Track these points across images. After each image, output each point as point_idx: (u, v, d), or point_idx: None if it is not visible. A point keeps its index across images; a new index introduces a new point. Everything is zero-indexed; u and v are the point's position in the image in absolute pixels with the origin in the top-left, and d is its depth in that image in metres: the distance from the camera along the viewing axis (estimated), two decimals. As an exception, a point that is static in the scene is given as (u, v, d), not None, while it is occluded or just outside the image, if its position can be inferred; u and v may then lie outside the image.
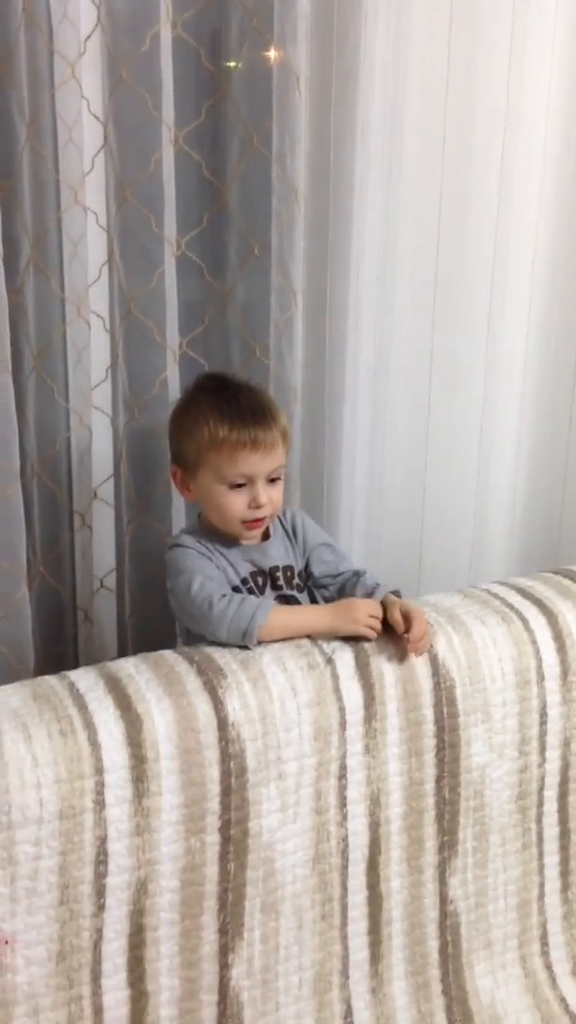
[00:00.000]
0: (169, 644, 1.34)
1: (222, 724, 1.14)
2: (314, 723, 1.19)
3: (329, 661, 1.22)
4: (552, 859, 1.37)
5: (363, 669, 1.23)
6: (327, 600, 1.37)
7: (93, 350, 1.54)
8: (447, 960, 1.30)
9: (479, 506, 1.91)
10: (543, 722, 1.34)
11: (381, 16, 1.52)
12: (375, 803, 1.24)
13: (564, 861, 1.38)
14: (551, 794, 1.36)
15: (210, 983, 1.15)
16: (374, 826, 1.24)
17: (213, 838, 1.13)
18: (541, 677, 1.34)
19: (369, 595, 1.29)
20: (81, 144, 1.44)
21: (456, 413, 1.84)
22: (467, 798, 1.30)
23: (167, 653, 1.22)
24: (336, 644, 1.25)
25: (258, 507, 1.29)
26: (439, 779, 1.27)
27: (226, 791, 1.14)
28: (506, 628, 1.34)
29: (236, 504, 1.29)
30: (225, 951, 1.16)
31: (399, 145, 1.63)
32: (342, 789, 1.21)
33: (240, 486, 1.28)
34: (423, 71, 1.62)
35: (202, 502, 1.34)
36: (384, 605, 1.27)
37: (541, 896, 1.36)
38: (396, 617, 1.24)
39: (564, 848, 1.38)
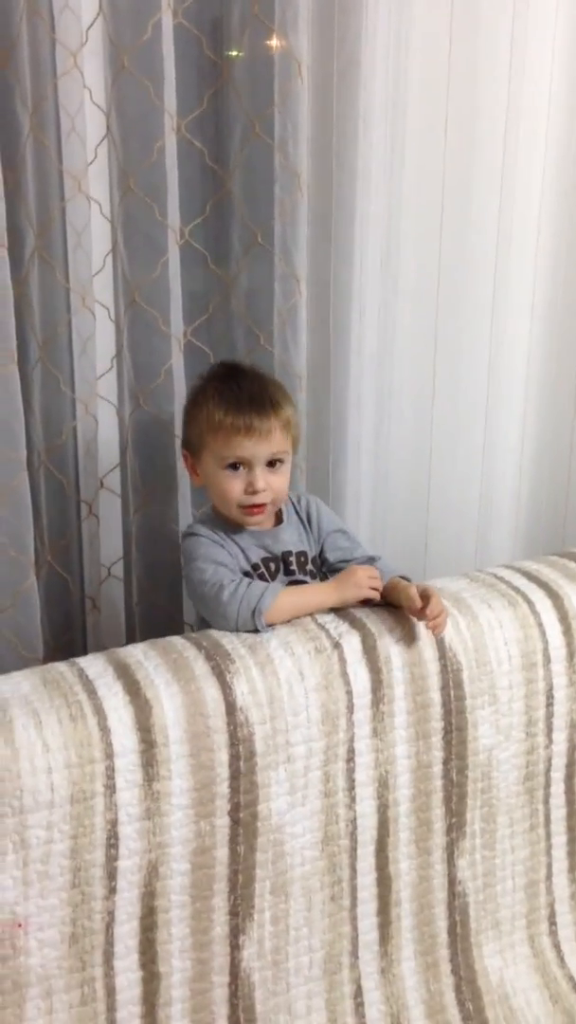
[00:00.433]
0: (176, 631, 1.35)
1: (230, 709, 1.15)
2: (322, 707, 1.20)
3: (336, 645, 1.23)
4: (559, 839, 1.38)
5: (370, 653, 1.24)
6: None
7: (98, 340, 1.55)
8: (456, 940, 1.31)
9: (484, 490, 1.91)
10: (549, 704, 1.35)
11: (383, 2, 1.52)
12: (383, 786, 1.25)
13: (571, 842, 1.39)
14: (558, 775, 1.37)
15: (221, 964, 1.17)
16: (382, 808, 1.25)
17: (223, 821, 1.15)
18: (547, 659, 1.34)
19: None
20: (84, 133, 1.44)
21: (461, 398, 1.84)
22: (474, 780, 1.30)
23: (175, 639, 1.23)
24: (344, 628, 1.25)
25: (254, 492, 1.30)
26: (447, 761, 1.28)
27: (235, 775, 1.15)
28: (512, 611, 1.35)
29: (234, 488, 1.30)
30: (236, 933, 1.17)
31: (402, 132, 1.63)
32: (350, 772, 1.22)
33: (238, 470, 1.30)
34: (425, 57, 1.62)
35: (207, 487, 1.35)
36: (398, 587, 1.28)
37: (549, 876, 1.37)
38: (412, 593, 1.24)
39: (571, 829, 1.39)
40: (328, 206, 1.59)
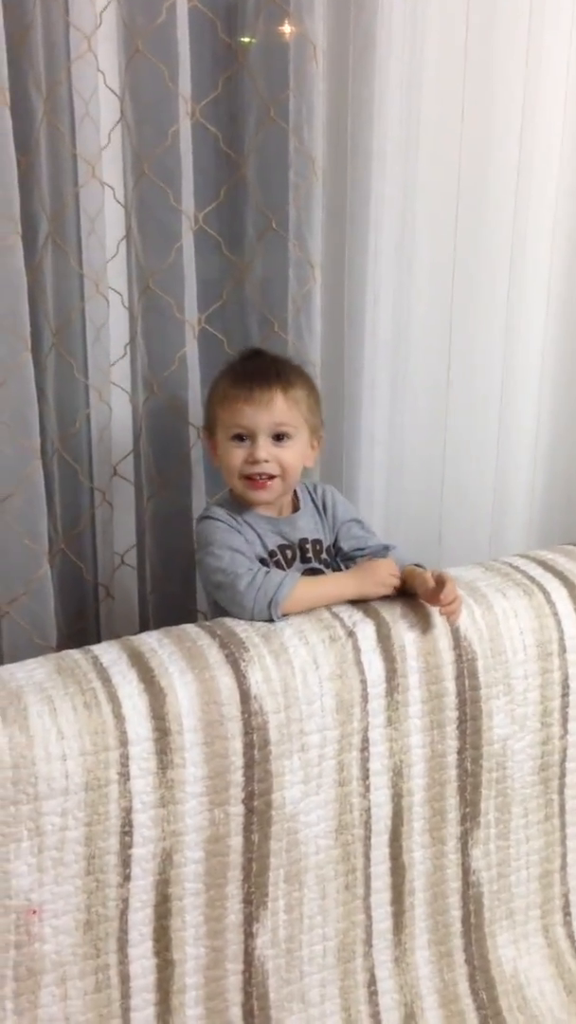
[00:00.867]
0: (190, 619, 1.35)
1: (244, 697, 1.14)
2: (336, 696, 1.19)
3: (351, 634, 1.22)
4: (574, 830, 1.37)
5: (384, 642, 1.23)
6: None
7: (112, 327, 1.54)
8: (470, 930, 1.31)
9: (498, 480, 1.90)
10: (565, 694, 1.34)
11: (398, -16, 1.50)
12: (397, 775, 1.24)
13: (586, 832, 1.38)
14: (573, 766, 1.36)
15: (235, 952, 1.17)
16: (397, 798, 1.25)
17: (237, 809, 1.14)
18: (563, 649, 1.33)
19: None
20: (98, 118, 1.43)
21: (476, 387, 1.82)
22: (489, 770, 1.30)
23: (189, 627, 1.23)
24: (358, 617, 1.25)
25: (254, 462, 1.29)
26: (461, 751, 1.28)
27: (249, 763, 1.14)
28: (527, 600, 1.34)
29: (235, 457, 1.30)
30: (250, 920, 1.17)
31: (417, 115, 1.61)
32: (364, 761, 1.22)
33: (243, 441, 1.30)
34: (441, 40, 1.60)
35: (220, 465, 1.35)
36: (413, 574, 1.27)
37: (563, 867, 1.37)
38: (427, 576, 1.24)
39: (586, 820, 1.38)
40: (343, 190, 1.58)
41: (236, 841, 1.15)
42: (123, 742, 1.08)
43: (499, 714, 1.29)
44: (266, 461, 1.29)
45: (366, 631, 1.23)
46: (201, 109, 1.49)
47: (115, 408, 1.58)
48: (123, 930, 1.10)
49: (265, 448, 1.29)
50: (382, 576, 1.27)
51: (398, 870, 1.26)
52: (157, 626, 1.26)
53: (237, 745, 1.14)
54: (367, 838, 1.23)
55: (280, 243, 1.56)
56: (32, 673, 1.12)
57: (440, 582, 1.22)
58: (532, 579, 1.38)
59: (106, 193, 1.48)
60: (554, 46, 1.66)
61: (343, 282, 1.62)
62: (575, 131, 1.74)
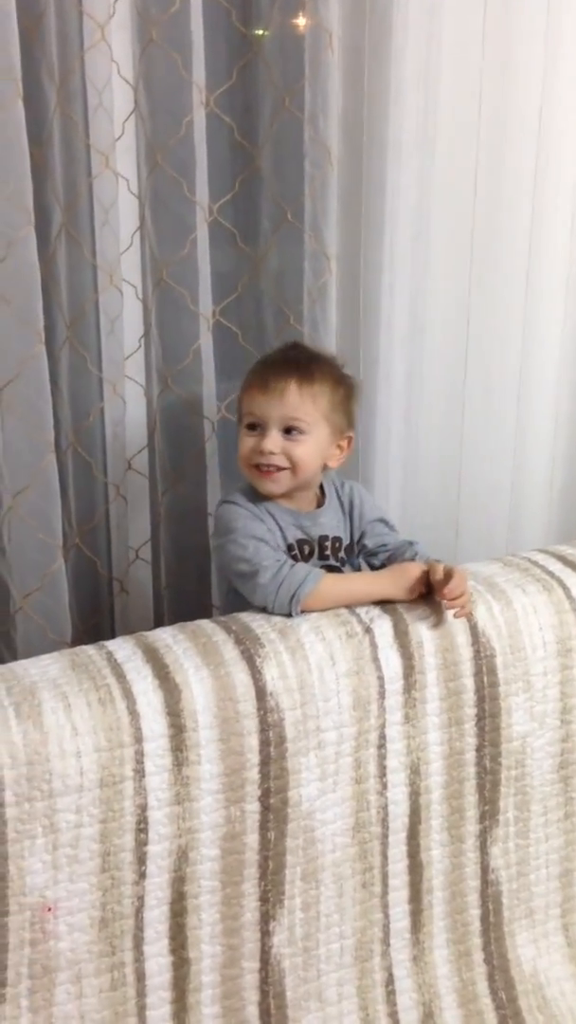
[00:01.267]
0: (205, 614, 1.33)
1: (260, 694, 1.13)
2: (353, 692, 1.18)
3: (368, 630, 1.21)
4: (595, 828, 1.36)
5: (402, 638, 1.22)
6: (374, 569, 1.37)
7: (126, 319, 1.53)
8: (489, 929, 1.29)
9: (516, 475, 1.88)
10: (585, 691, 1.32)
11: (415, -29, 1.48)
12: (415, 772, 1.23)
13: (607, 831, 1.37)
14: (593, 763, 1.35)
15: (251, 950, 1.16)
16: (414, 795, 1.23)
17: (253, 807, 1.13)
18: (583, 645, 1.32)
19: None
20: (111, 108, 1.42)
21: (493, 380, 1.80)
22: (508, 767, 1.28)
23: (204, 623, 1.21)
24: (375, 613, 1.23)
25: (261, 452, 1.27)
26: (479, 748, 1.26)
27: (265, 760, 1.13)
28: (547, 596, 1.32)
29: (245, 445, 1.29)
30: (266, 919, 1.16)
31: (434, 104, 1.58)
32: (382, 758, 1.21)
33: (253, 429, 1.29)
34: (458, 28, 1.58)
35: None
36: (428, 566, 1.26)
37: (583, 866, 1.35)
38: (437, 567, 1.23)
39: (606, 818, 1.37)
40: (358, 181, 1.56)
41: (252, 839, 1.14)
42: (138, 739, 1.07)
43: (518, 711, 1.28)
44: (272, 453, 1.27)
45: (383, 627, 1.22)
46: (216, 99, 1.47)
47: (129, 402, 1.57)
48: (139, 928, 1.10)
49: (273, 439, 1.27)
50: (413, 584, 1.25)
51: (416, 868, 1.25)
52: (172, 621, 1.25)
53: (253, 742, 1.12)
54: (384, 836, 1.22)
55: (295, 235, 1.54)
56: (46, 669, 1.12)
57: (448, 575, 1.21)
58: (551, 574, 1.36)
59: (120, 184, 1.46)
60: (573, 32, 1.64)
61: (359, 274, 1.61)
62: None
